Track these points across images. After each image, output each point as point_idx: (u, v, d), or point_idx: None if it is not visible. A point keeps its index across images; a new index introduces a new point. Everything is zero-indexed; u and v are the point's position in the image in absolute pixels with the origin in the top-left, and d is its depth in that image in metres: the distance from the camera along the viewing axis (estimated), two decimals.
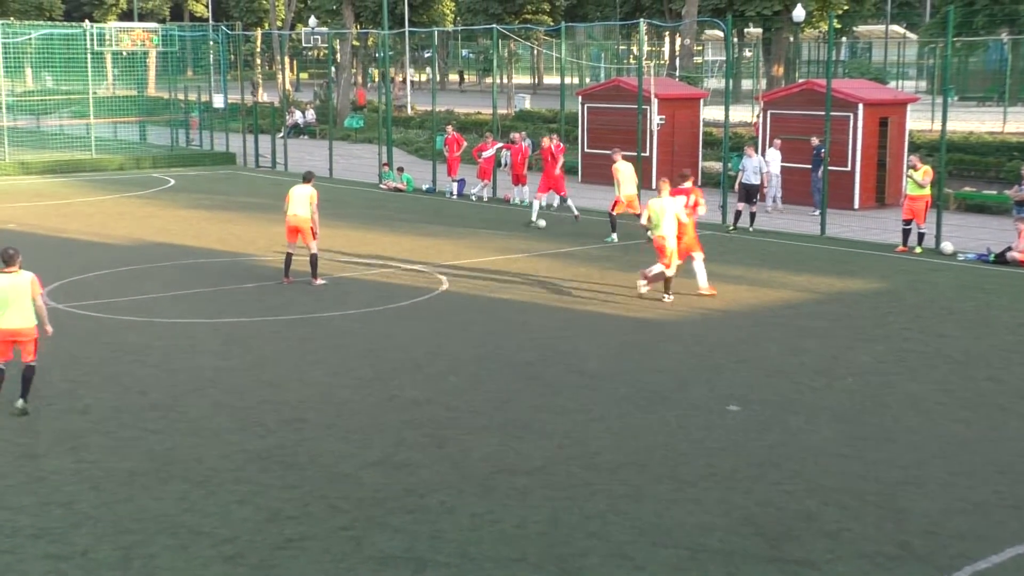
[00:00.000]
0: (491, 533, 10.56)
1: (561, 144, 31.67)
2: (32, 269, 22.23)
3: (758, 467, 12.31)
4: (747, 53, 76.41)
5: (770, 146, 31.76)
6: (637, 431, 13.53)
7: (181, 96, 52.33)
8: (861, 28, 78.66)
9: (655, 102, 34.50)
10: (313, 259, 21.44)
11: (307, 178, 21.89)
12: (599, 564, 9.93)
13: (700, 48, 70.91)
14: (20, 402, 13.81)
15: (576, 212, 30.36)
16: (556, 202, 31.89)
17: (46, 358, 16.37)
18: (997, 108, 49.05)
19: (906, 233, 25.81)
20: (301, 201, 21.09)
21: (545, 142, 31.26)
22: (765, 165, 29.07)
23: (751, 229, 28.61)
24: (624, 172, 26.58)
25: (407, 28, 64.03)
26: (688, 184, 21.48)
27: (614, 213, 26.44)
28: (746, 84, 68.68)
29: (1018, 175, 27.50)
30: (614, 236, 26.65)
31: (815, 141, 30.98)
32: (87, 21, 51.92)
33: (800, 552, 10.16)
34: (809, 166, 31.35)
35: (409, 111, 62.80)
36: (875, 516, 10.99)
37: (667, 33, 70.91)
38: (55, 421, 13.73)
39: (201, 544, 10.27)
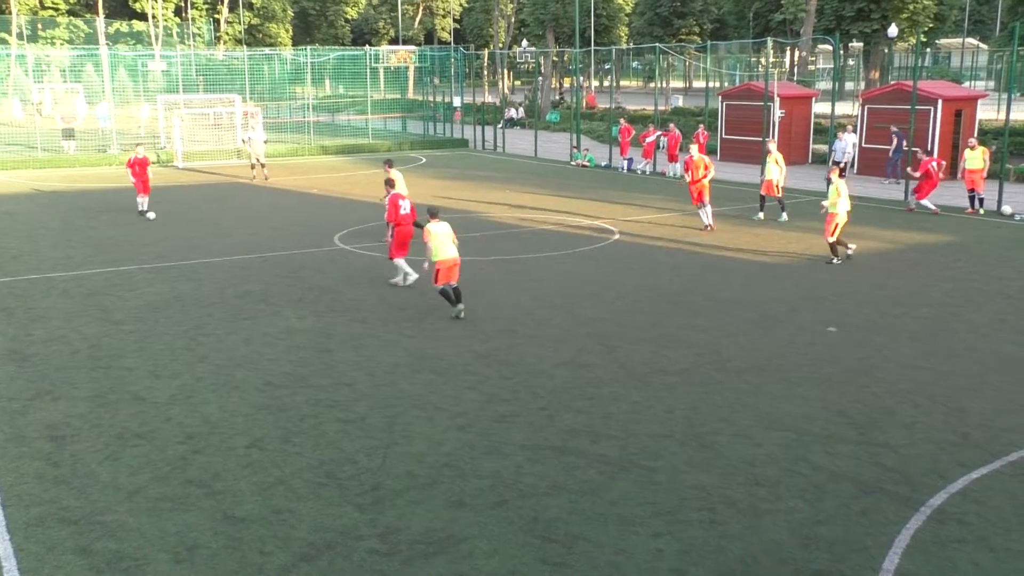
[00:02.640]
0: (647, 416, 10.58)
1: (706, 132, 31.81)
2: (323, 223, 23.16)
3: (850, 374, 12.00)
4: (851, 62, 73.32)
5: (848, 132, 31.38)
6: (758, 344, 13.31)
7: (431, 99, 53.18)
8: (943, 40, 74.49)
9: (777, 100, 33.80)
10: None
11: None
12: (727, 441, 9.86)
13: (814, 59, 68.08)
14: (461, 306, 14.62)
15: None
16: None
17: (337, 284, 17.06)
18: None
19: (971, 199, 24.71)
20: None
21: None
22: (851, 148, 28.71)
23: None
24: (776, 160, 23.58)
25: (592, 47, 63.47)
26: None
27: (764, 194, 23.85)
28: (849, 86, 66.03)
29: None
30: (760, 215, 24.05)
31: (893, 128, 30.46)
32: (367, 46, 53.14)
33: (882, 438, 9.89)
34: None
35: (610, 105, 62.17)
36: (941, 413, 10.62)
37: (789, 48, 68.36)
38: (344, 327, 14.28)
39: (441, 416, 10.60)
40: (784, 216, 23.56)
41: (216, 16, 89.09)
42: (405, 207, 16.62)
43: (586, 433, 10.05)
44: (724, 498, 8.54)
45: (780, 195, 23.43)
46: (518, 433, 10.05)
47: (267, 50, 64.38)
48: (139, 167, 24.38)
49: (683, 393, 11.30)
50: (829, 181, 19.05)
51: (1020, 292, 16.38)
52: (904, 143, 29.54)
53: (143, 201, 24.67)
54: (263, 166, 32.91)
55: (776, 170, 23.13)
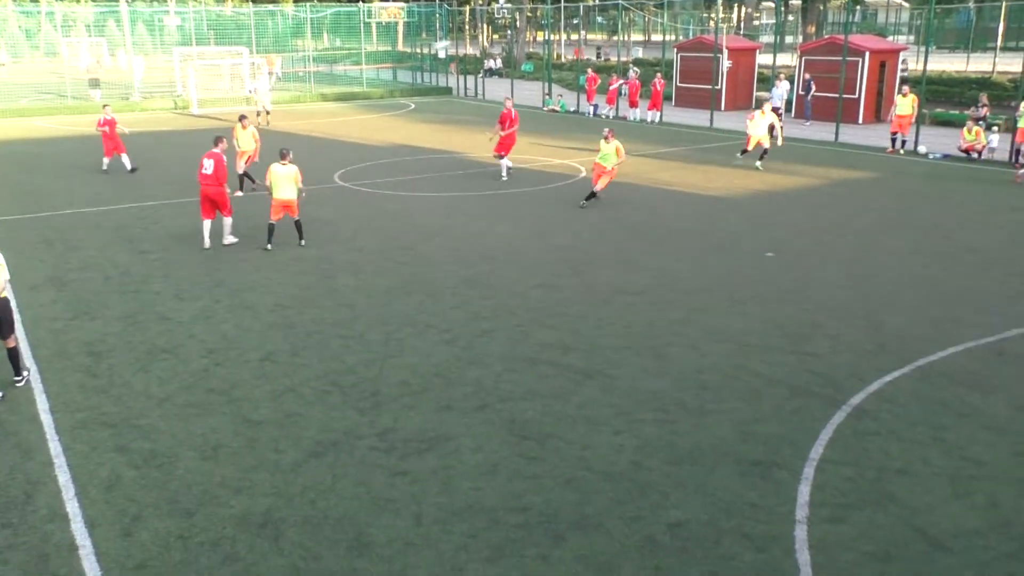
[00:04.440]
0: (609, 331, 10.67)
1: (663, 80, 31.29)
2: (324, 163, 22.81)
3: (785, 293, 12.11)
4: (791, 17, 72.31)
5: (782, 80, 31.23)
6: (707, 268, 13.38)
7: (419, 50, 52.14)
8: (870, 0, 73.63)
9: (726, 52, 33.48)
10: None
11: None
12: (678, 352, 9.97)
13: (759, 15, 67.08)
14: (303, 242, 14.54)
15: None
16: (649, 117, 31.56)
17: (337, 218, 16.94)
18: (963, 54, 45.63)
19: (893, 140, 24.69)
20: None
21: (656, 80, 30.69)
22: (788, 94, 28.68)
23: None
24: (758, 120, 22.11)
25: (563, 4, 62.20)
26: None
27: (749, 148, 22.27)
28: (789, 39, 65.23)
29: (975, 100, 25.80)
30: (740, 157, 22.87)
31: (806, 75, 31.02)
32: (360, 2, 51.78)
33: (811, 348, 10.04)
34: (830, 94, 29.96)
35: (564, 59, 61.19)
36: (862, 326, 10.77)
37: (737, 4, 67.30)
38: (344, 255, 14.23)
39: (430, 332, 10.64)
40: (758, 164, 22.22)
41: None
42: (206, 167, 14.09)
43: (557, 346, 10.13)
44: (675, 400, 8.67)
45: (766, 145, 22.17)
46: (497, 347, 10.12)
47: (271, 6, 62.68)
48: (109, 127, 21.05)
49: (641, 311, 11.38)
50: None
51: (931, 222, 16.49)
52: (812, 87, 30.78)
53: (108, 162, 21.67)
54: (268, 112, 32.35)
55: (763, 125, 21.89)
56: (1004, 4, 43.18)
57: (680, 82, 37.34)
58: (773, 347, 10.07)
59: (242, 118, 18.91)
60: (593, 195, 17.43)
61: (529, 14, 70.78)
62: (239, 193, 18.39)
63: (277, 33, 51.11)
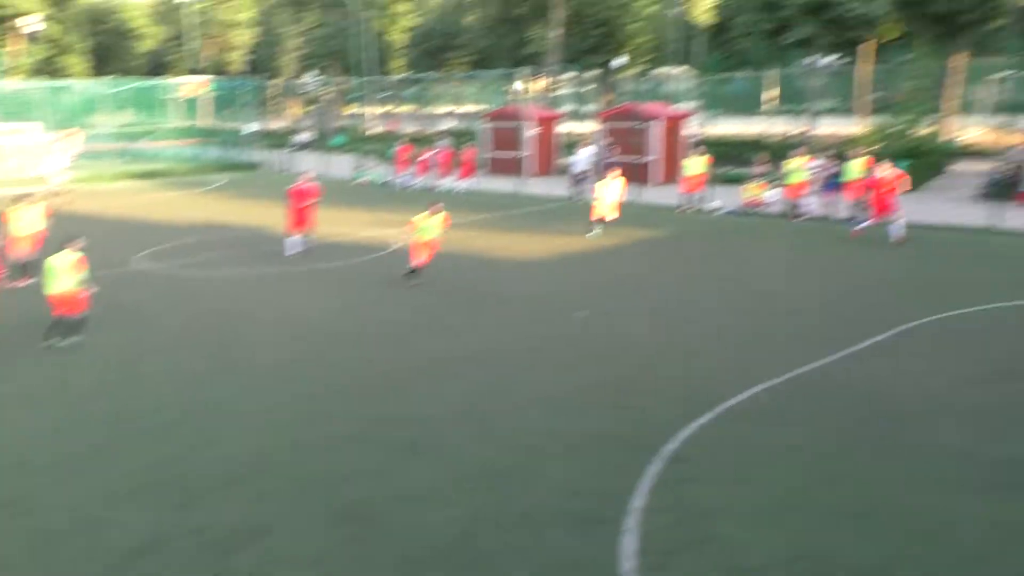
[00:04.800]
0: (435, 401, 10.55)
1: (474, 149, 32.19)
2: (125, 245, 21.58)
3: (600, 350, 12.47)
4: (590, 87, 76.31)
5: (587, 146, 32.53)
6: (524, 331, 13.59)
7: (226, 125, 50.85)
8: (660, 69, 79.10)
9: (531, 121, 34.85)
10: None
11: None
12: (504, 417, 9.99)
13: (559, 85, 70.45)
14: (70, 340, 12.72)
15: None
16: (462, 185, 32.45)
17: (139, 302, 15.99)
18: (744, 118, 49.90)
19: (685, 199, 26.33)
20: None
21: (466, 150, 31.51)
22: (593, 157, 30.05)
23: (581, 200, 28.89)
24: (609, 186, 21.99)
25: (371, 77, 62.90)
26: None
27: (605, 219, 21.73)
28: (590, 107, 68.73)
29: (753, 160, 28.18)
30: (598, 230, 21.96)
31: (606, 141, 32.29)
32: (162, 77, 50.07)
33: (628, 401, 10.32)
34: (629, 157, 31.83)
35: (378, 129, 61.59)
36: (673, 375, 11.23)
37: (539, 76, 70.41)
38: (146, 340, 13.39)
39: (245, 417, 10.14)
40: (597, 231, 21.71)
41: (5, 48, 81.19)
42: None
43: (381, 421, 9.93)
44: (503, 466, 8.68)
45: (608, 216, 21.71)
46: (316, 427, 9.78)
47: (61, 81, 59.40)
48: None
49: (464, 379, 11.39)
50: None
51: (725, 272, 17.66)
52: (612, 153, 32.05)
53: None
54: (61, 193, 30.38)
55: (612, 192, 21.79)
56: (772, 73, 47.65)
57: (493, 150, 38.42)
58: (592, 403, 10.33)
59: (21, 198, 17.55)
60: (415, 271, 16.91)
61: (339, 87, 71.02)
62: (26, 282, 16.87)
63: (73, 108, 48.38)
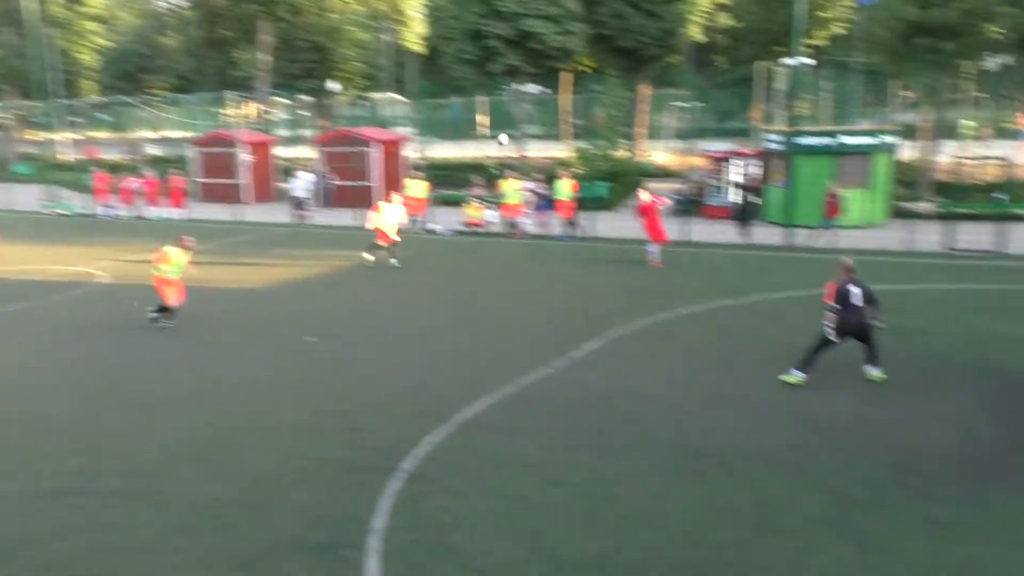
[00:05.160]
0: (153, 443, 9.90)
1: (183, 176, 30.39)
2: None
3: (331, 375, 12.35)
4: (304, 112, 75.16)
5: (305, 171, 32.16)
6: (250, 361, 13.13)
7: None
8: (375, 95, 79.85)
9: (245, 146, 33.76)
10: None
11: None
12: (232, 451, 9.61)
13: (271, 110, 68.83)
14: None
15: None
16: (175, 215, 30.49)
17: None
18: (457, 143, 51.70)
19: (413, 222, 26.78)
20: None
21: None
22: (312, 184, 29.76)
23: (308, 225, 28.63)
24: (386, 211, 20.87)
25: (58, 101, 57.60)
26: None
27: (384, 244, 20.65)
28: (306, 132, 67.76)
29: (470, 182, 29.28)
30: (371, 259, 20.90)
31: (324, 167, 32.27)
32: None
33: (362, 424, 10.30)
34: (349, 182, 31.85)
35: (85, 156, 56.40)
36: (406, 395, 11.34)
37: (249, 100, 68.28)
38: None
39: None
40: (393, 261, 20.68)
41: None
42: None
43: (90, 472, 9.12)
44: (235, 502, 8.34)
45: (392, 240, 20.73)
46: (8, 487, 8.82)
47: None
48: None
49: (185, 416, 10.79)
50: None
51: (457, 291, 18.16)
52: (331, 178, 32.40)
53: None
54: None
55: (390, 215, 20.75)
56: (483, 100, 49.86)
57: (203, 177, 36.67)
58: (326, 429, 10.20)
59: None
60: (166, 310, 15.26)
61: (20, 112, 64.30)
62: None
63: None
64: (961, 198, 25.15)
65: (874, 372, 11.34)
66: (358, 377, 12.24)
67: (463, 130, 54.79)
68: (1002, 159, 23.82)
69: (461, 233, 26.31)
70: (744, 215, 23.41)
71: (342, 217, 30.08)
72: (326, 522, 7.89)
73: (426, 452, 9.45)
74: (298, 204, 29.09)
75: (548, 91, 49.70)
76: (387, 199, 20.51)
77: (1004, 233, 20.65)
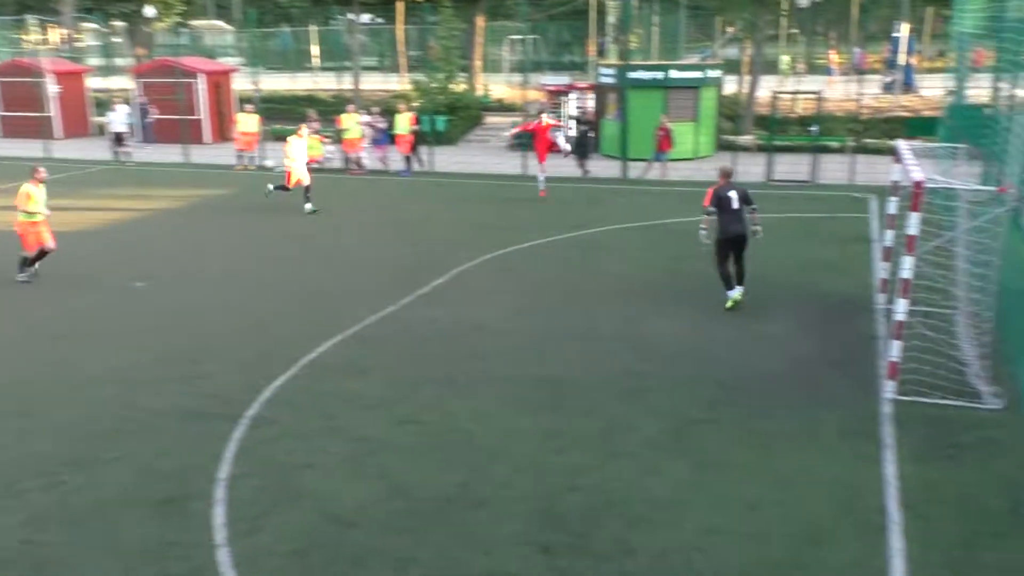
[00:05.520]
0: None
1: None
2: None
3: (166, 320, 11.80)
4: (118, 39, 69.85)
5: (122, 103, 30.05)
6: (72, 308, 12.33)
7: None
8: (196, 22, 75.11)
9: (52, 76, 31.07)
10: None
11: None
12: (57, 403, 9.06)
13: (81, 36, 63.41)
14: None
15: None
16: None
17: None
18: (289, 74, 49.60)
19: (240, 157, 25.80)
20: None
21: None
22: (129, 117, 27.88)
23: (130, 162, 26.93)
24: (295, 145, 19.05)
25: None
26: None
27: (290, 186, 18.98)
28: (120, 61, 63.01)
29: (305, 116, 28.29)
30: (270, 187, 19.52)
31: (143, 99, 30.66)
32: None
33: (201, 371, 9.94)
34: (172, 116, 30.03)
35: None
36: (248, 338, 11.01)
37: (53, 25, 62.55)
38: None
39: None
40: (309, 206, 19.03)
41: None
42: None
43: None
44: (64, 459, 7.88)
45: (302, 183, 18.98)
46: None
47: None
48: None
49: (4, 369, 10.04)
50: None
51: (297, 231, 17.58)
52: (152, 111, 30.61)
53: None
54: None
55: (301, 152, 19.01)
56: (314, 29, 47.94)
57: (4, 110, 33.52)
58: (163, 378, 9.76)
59: None
60: (28, 260, 13.71)
61: None
62: None
63: None
64: (780, 131, 26.63)
65: (737, 293, 11.86)
66: (195, 323, 11.74)
67: (296, 62, 52.63)
68: (815, 94, 25.24)
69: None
70: (581, 148, 23.86)
71: (167, 153, 28.49)
72: (168, 475, 7.60)
73: (272, 396, 9.24)
74: (119, 139, 27.16)
75: (381, 21, 48.39)
76: (297, 133, 19.12)
77: (817, 164, 22.07)
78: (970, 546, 6.42)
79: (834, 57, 42.04)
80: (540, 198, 20.05)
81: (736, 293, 11.84)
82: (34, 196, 13.55)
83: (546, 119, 20.84)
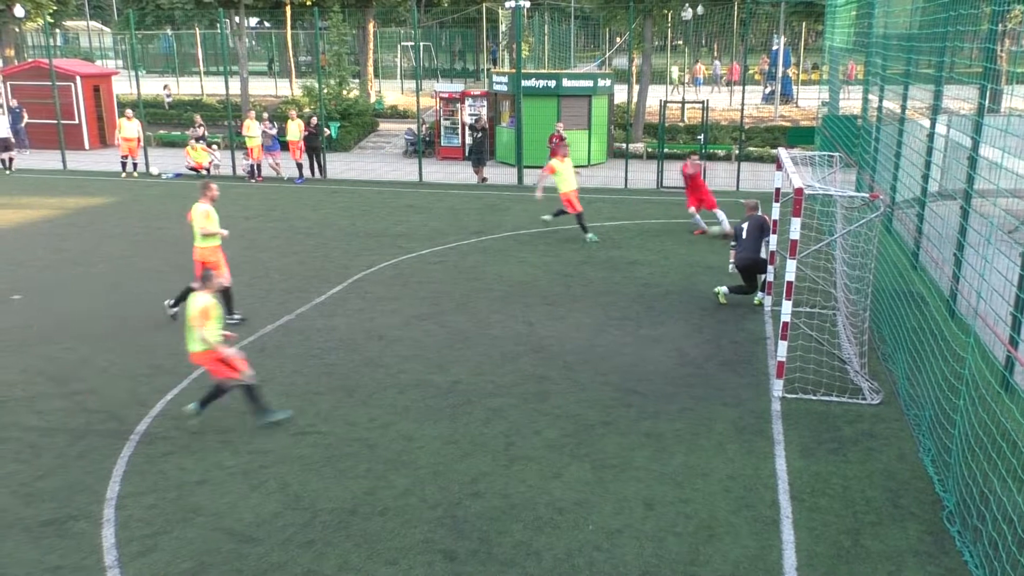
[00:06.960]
0: None
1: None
2: None
3: (46, 333, 11.21)
4: None
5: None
6: None
7: None
8: (71, 23, 71.71)
9: None
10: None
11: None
12: None
13: None
14: None
15: None
16: None
17: None
18: (173, 78, 48.00)
19: (124, 164, 24.79)
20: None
21: None
22: (9, 123, 26.37)
23: (9, 171, 25.50)
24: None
25: None
26: None
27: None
28: None
29: (191, 121, 27.38)
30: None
31: (13, 104, 28.96)
32: None
33: (84, 386, 9.51)
34: (47, 120, 28.54)
35: None
36: (133, 351, 10.60)
37: None
38: None
39: None
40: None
41: None
42: None
43: None
44: None
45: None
46: None
47: None
48: None
49: None
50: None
51: (179, 237, 17.02)
52: (24, 114, 29.07)
53: None
54: None
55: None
56: (198, 32, 46.47)
57: None
58: (42, 394, 9.28)
59: None
60: None
61: None
62: None
63: None
64: (668, 139, 27.33)
65: (758, 296, 12.59)
66: (79, 336, 11.21)
67: (181, 66, 50.95)
68: (700, 103, 26.09)
69: (184, 176, 24.67)
70: (476, 155, 23.94)
71: (45, 159, 27.16)
72: (50, 496, 7.22)
73: (163, 410, 8.90)
74: (5, 146, 25.58)
75: (269, 25, 47.38)
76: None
77: (705, 170, 22.79)
78: (855, 535, 6.74)
79: (702, 68, 43.36)
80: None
81: (758, 296, 12.62)
82: (212, 216, 11.62)
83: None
